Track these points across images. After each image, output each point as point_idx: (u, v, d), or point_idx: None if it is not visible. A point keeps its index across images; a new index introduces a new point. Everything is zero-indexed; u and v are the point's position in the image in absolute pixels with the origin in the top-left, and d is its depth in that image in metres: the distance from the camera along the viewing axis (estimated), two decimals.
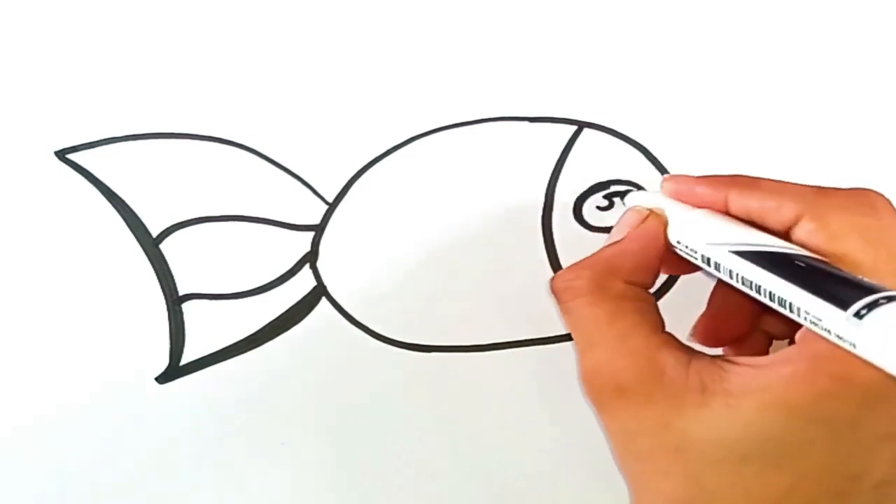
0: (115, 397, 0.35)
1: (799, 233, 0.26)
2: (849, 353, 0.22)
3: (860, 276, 0.23)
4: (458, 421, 0.35)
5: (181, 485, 0.34)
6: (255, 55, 0.38)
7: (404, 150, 0.37)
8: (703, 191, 0.29)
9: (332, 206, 0.37)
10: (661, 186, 0.31)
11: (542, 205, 0.37)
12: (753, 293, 0.26)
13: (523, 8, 0.38)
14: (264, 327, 0.36)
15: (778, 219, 0.27)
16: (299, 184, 0.37)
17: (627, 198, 0.33)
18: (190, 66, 0.38)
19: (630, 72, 0.38)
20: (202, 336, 0.36)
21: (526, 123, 0.37)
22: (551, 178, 0.37)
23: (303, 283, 0.36)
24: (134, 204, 0.37)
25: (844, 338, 0.22)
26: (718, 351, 0.31)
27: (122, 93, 0.37)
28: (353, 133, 0.37)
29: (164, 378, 0.35)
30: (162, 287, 0.36)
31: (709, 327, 0.31)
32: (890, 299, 0.21)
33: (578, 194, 0.37)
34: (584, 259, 0.30)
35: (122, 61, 0.38)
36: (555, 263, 0.36)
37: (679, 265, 0.30)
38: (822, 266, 0.25)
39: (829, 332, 0.23)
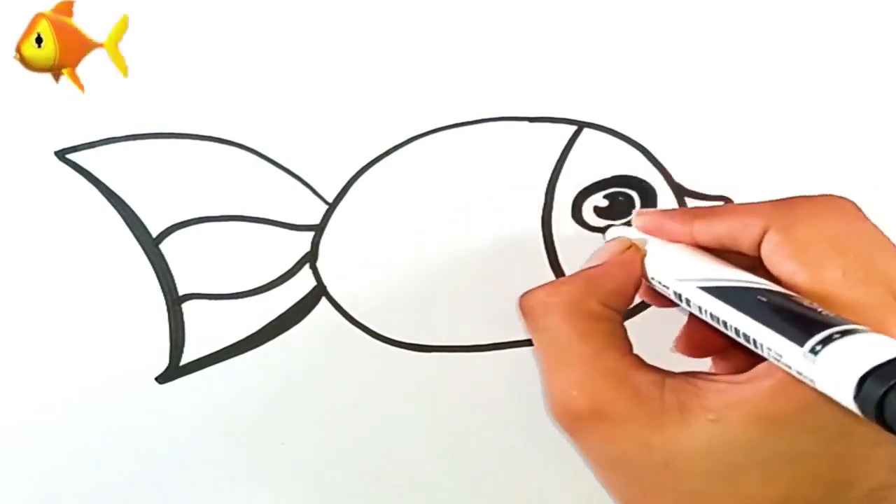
0: (115, 397, 0.35)
1: (766, 246, 0.26)
2: None
3: (819, 308, 0.23)
4: (458, 421, 0.35)
5: (181, 485, 0.34)
6: (255, 55, 0.38)
7: (404, 150, 0.37)
8: (671, 226, 0.29)
9: (332, 206, 0.37)
10: (633, 220, 0.31)
11: (542, 205, 0.37)
12: (721, 328, 0.26)
13: (523, 8, 0.38)
14: (264, 327, 0.36)
15: (747, 238, 0.27)
16: (299, 184, 0.37)
17: (608, 232, 0.33)
18: (189, 66, 0.38)
19: (630, 72, 0.38)
20: (202, 336, 0.36)
21: (526, 123, 0.37)
22: (551, 179, 0.37)
23: (303, 283, 0.36)
24: (134, 204, 0.37)
25: (804, 374, 0.22)
26: (700, 363, 0.31)
27: (122, 93, 0.37)
28: (353, 133, 0.37)
29: (164, 378, 0.35)
30: (162, 287, 0.36)
31: (691, 338, 0.31)
32: (844, 333, 0.21)
33: (577, 194, 0.37)
34: (559, 279, 0.30)
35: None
36: (555, 263, 0.36)
37: (658, 298, 0.30)
38: (782, 301, 0.24)
39: (790, 367, 0.23)
